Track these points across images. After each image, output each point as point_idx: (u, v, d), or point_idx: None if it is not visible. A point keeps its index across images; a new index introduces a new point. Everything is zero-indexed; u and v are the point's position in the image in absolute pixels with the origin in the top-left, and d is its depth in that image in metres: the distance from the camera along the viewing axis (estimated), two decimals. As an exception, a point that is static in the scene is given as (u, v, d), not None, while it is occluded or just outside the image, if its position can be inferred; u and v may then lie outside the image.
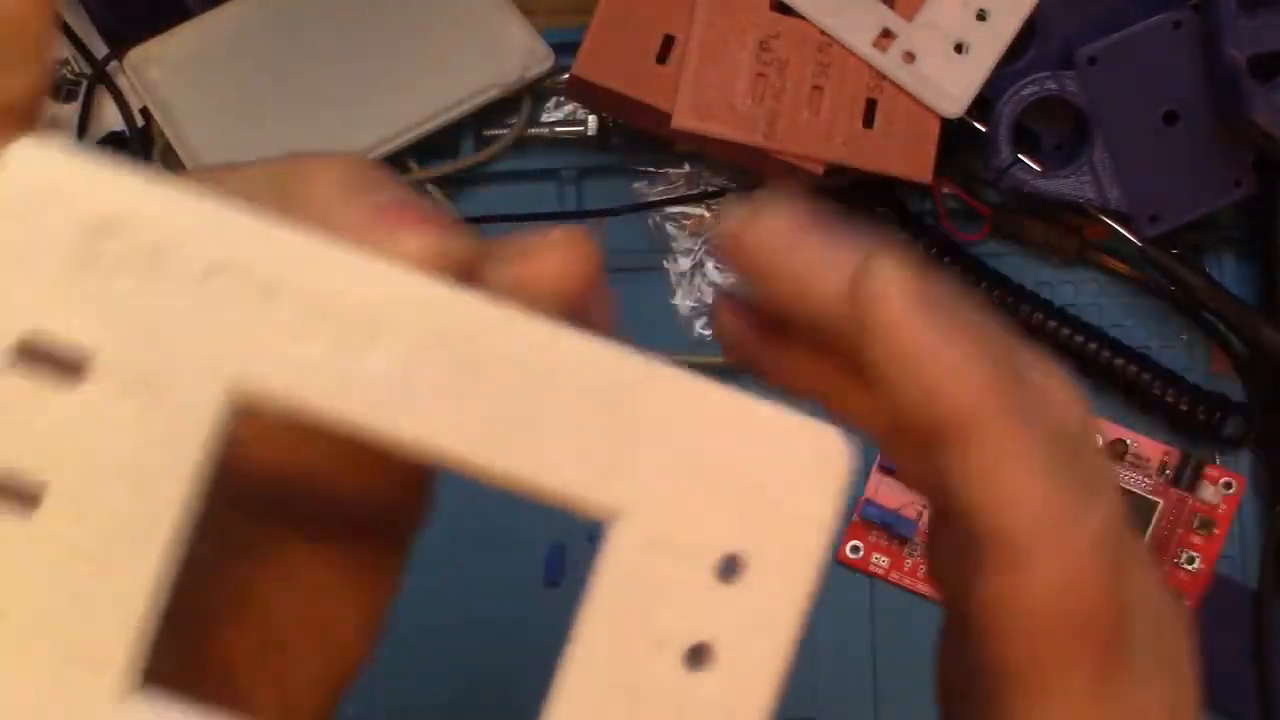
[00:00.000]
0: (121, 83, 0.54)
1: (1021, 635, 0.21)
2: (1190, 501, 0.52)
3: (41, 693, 0.16)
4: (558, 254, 0.21)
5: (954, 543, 0.23)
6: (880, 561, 0.53)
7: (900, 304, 0.20)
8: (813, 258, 0.21)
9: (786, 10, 0.50)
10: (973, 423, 0.20)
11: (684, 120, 0.49)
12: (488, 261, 0.20)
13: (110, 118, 0.54)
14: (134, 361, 0.17)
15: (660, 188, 0.55)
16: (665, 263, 0.55)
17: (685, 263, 0.55)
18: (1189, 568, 0.52)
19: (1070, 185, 0.51)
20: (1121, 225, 0.51)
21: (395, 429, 0.17)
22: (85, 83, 0.54)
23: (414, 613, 0.52)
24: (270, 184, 0.20)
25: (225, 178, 0.20)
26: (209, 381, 0.17)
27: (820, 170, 0.49)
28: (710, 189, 0.55)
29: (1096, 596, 0.20)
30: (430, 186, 0.54)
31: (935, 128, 0.50)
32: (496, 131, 0.55)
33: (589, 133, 0.54)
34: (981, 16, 0.50)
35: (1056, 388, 0.22)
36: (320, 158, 0.20)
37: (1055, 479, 0.20)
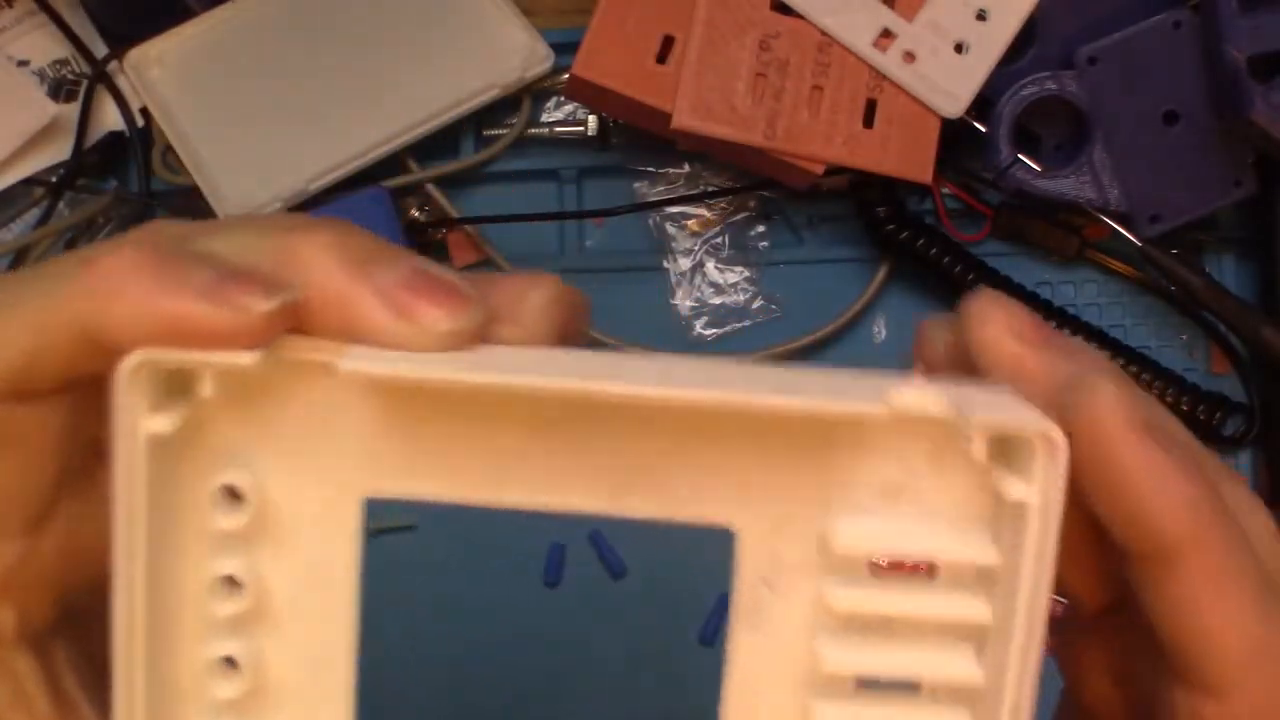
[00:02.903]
0: (121, 83, 0.54)
1: None
2: (1190, 501, 0.52)
3: None
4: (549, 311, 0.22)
5: (1131, 650, 0.23)
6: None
7: (1118, 426, 0.20)
8: (1031, 366, 0.22)
9: (786, 10, 0.50)
10: (1182, 548, 0.20)
11: (684, 120, 0.49)
12: (494, 324, 0.21)
13: (110, 118, 0.54)
14: None
15: (660, 188, 0.55)
16: (665, 263, 0.55)
17: (685, 263, 0.55)
18: (1189, 568, 0.52)
19: (1070, 185, 0.51)
20: (1121, 225, 0.51)
21: None
22: (85, 83, 0.54)
23: (414, 613, 0.52)
24: (260, 252, 0.20)
25: (208, 241, 0.20)
26: None
27: (820, 170, 0.49)
28: (710, 189, 0.55)
29: None
30: (430, 186, 0.54)
31: (935, 128, 0.50)
32: (496, 131, 0.55)
33: (589, 133, 0.54)
34: (981, 16, 0.50)
35: (1252, 511, 0.23)
36: (307, 230, 0.20)
37: (1261, 610, 0.21)
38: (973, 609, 0.20)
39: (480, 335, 0.20)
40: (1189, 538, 0.20)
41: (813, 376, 0.20)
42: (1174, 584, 0.21)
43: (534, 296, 0.21)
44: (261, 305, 0.19)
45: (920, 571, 0.21)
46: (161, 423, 0.19)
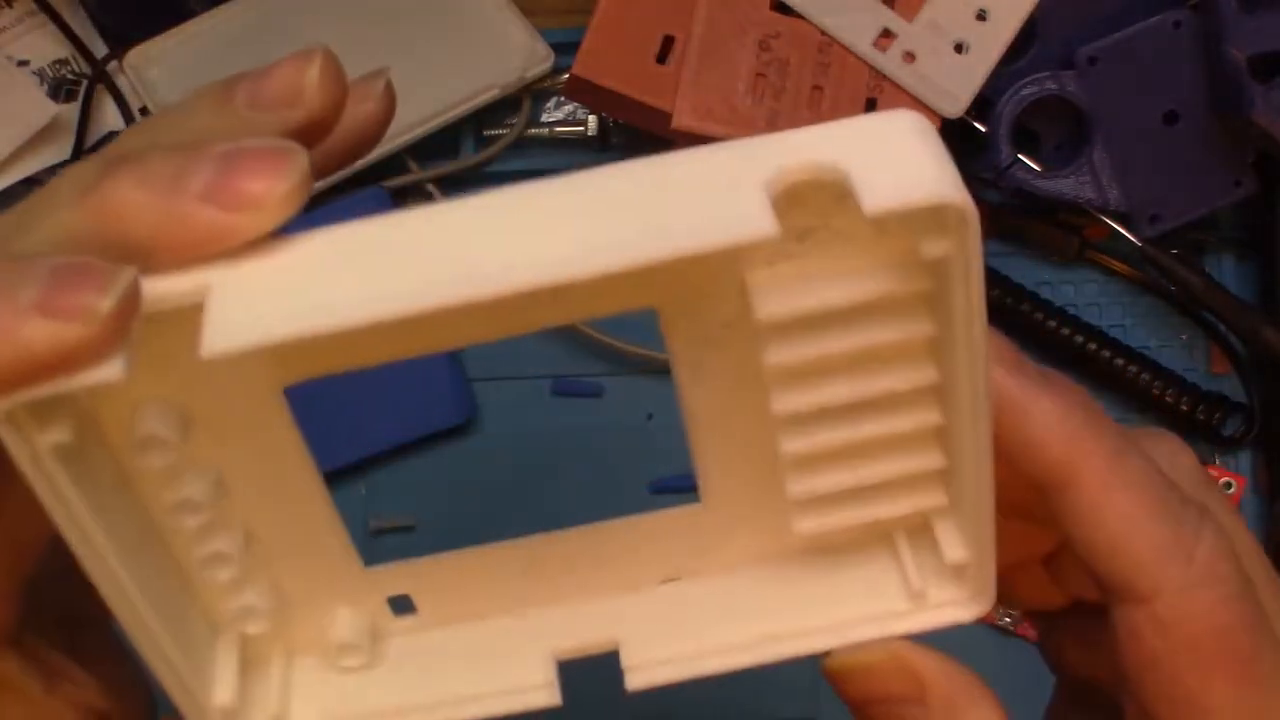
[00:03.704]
0: (121, 83, 0.54)
1: (1161, 665, 0.22)
2: (1190, 501, 0.52)
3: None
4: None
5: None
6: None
7: (995, 369, 0.21)
8: None
9: (786, 10, 0.50)
10: (1070, 466, 0.21)
11: (684, 120, 0.49)
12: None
13: (110, 118, 0.54)
14: None
15: (660, 188, 0.55)
16: (665, 263, 0.55)
17: (685, 263, 0.55)
18: (1189, 568, 0.52)
19: (1070, 185, 0.51)
20: (1121, 225, 0.51)
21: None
22: (85, 83, 0.54)
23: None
24: (77, 228, 0.19)
25: (21, 240, 0.20)
26: None
27: (820, 170, 0.49)
28: (710, 189, 0.55)
29: (1226, 617, 0.21)
30: (430, 186, 0.54)
31: (935, 128, 0.50)
32: (496, 131, 0.55)
33: (589, 133, 0.54)
34: (981, 16, 0.50)
35: (1148, 434, 0.24)
36: (107, 178, 0.19)
37: (1164, 511, 0.21)
38: (914, 327, 0.21)
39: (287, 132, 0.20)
40: (1072, 453, 0.21)
41: (687, 178, 0.19)
42: (1074, 503, 0.22)
43: (310, 75, 0.21)
44: (104, 302, 0.17)
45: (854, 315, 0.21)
46: (58, 434, 0.19)
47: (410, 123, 0.52)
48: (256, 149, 0.19)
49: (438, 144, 0.54)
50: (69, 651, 0.23)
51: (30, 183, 0.54)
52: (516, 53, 0.53)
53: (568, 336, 0.53)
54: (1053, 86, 0.50)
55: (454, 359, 0.52)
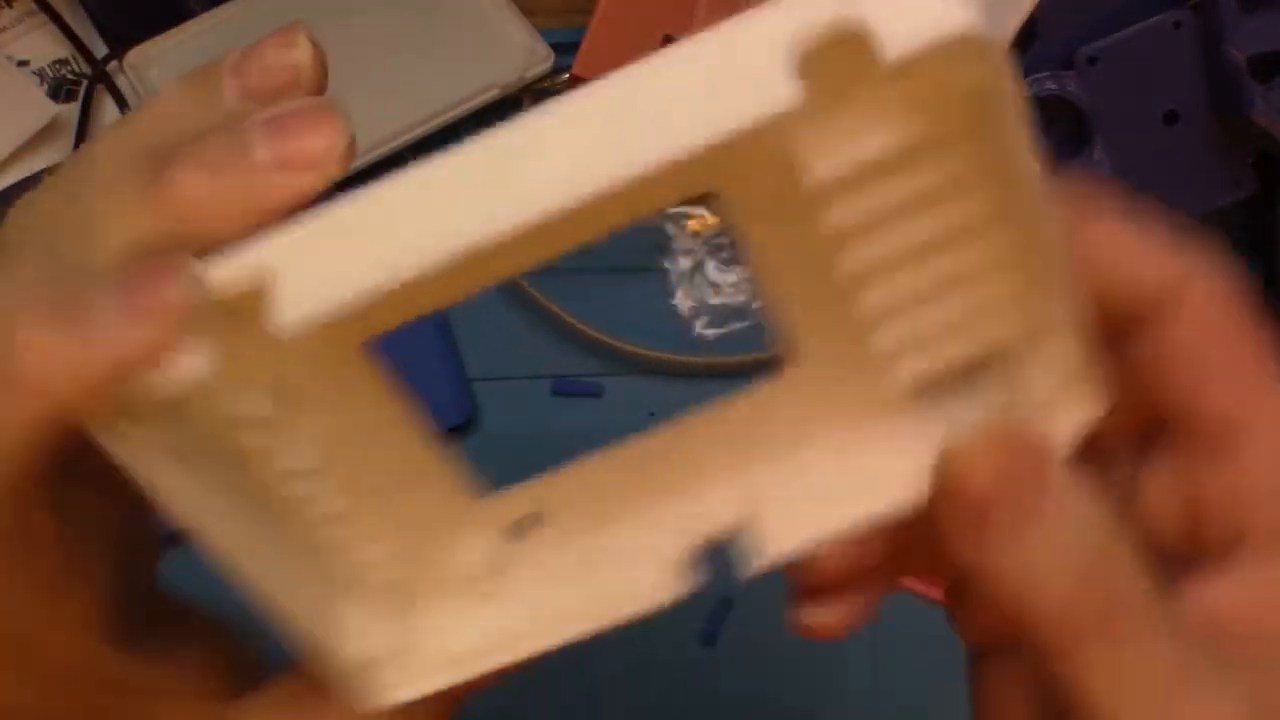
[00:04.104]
0: (121, 83, 0.54)
1: (1202, 369, 0.21)
2: (1190, 501, 0.52)
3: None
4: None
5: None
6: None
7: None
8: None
9: (786, 10, 0.50)
10: (1178, 290, 0.21)
11: (684, 120, 0.49)
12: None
13: (110, 118, 0.54)
14: None
15: (660, 188, 0.55)
16: (665, 263, 0.55)
17: (685, 263, 0.55)
18: (1189, 568, 0.52)
19: (1070, 185, 0.51)
20: (1121, 225, 0.51)
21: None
22: (85, 83, 0.54)
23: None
24: (143, 222, 0.19)
25: (87, 244, 0.20)
26: None
27: (820, 170, 0.49)
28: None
29: (1242, 320, 0.22)
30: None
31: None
32: (496, 131, 0.55)
33: (589, 133, 0.55)
34: (981, 16, 0.50)
35: None
36: (166, 171, 0.19)
37: (1149, 240, 0.22)
38: (963, 160, 0.21)
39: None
40: (1181, 276, 0.21)
41: (707, 62, 0.19)
42: (1173, 332, 0.21)
43: (299, 54, 0.21)
44: (173, 292, 0.18)
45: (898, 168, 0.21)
46: (157, 430, 0.19)
47: (410, 123, 0.53)
48: (302, 108, 0.20)
49: (438, 144, 0.54)
50: (178, 629, 0.24)
51: (30, 183, 0.54)
52: (516, 53, 0.53)
53: (568, 336, 0.53)
54: (1053, 86, 0.50)
55: (453, 359, 0.52)
